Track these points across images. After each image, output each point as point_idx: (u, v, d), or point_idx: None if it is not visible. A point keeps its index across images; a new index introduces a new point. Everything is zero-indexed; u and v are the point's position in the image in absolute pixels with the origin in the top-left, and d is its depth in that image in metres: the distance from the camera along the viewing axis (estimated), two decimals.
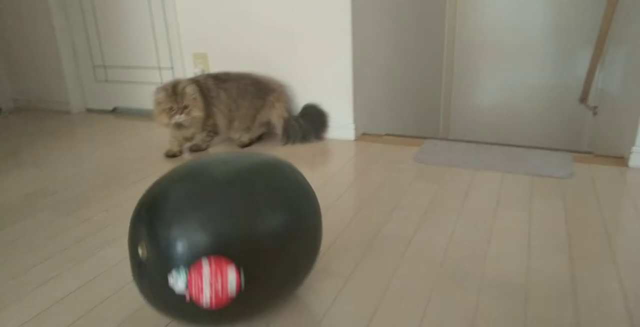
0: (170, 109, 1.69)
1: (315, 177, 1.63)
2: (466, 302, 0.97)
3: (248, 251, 0.80)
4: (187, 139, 1.86)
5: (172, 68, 2.38)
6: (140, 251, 0.82)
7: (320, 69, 1.98)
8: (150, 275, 0.81)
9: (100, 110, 2.65)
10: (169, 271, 0.78)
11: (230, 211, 0.80)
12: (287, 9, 1.96)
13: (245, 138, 1.93)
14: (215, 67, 2.20)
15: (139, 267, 0.83)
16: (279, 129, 1.94)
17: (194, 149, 1.90)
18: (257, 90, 1.88)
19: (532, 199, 1.42)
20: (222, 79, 1.86)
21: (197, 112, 1.74)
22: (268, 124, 1.95)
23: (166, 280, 0.78)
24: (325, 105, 2.01)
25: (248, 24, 2.06)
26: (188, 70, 2.28)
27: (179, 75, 2.34)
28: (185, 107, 1.70)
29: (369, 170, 1.68)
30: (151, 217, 0.81)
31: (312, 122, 1.97)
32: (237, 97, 1.85)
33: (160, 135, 2.18)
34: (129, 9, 2.37)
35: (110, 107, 2.61)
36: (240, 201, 0.81)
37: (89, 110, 2.66)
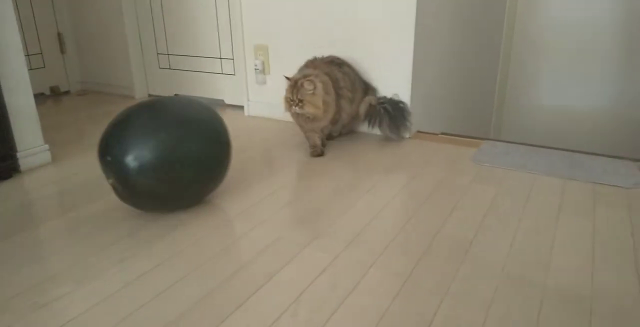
0: (290, 99, 1.72)
1: (368, 174, 1.65)
2: (529, 310, 0.97)
3: (175, 161, 1.27)
4: (322, 130, 1.85)
5: (232, 59, 2.44)
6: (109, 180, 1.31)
7: (381, 65, 1.98)
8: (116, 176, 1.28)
9: (162, 96, 2.75)
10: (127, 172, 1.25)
11: (168, 136, 1.27)
12: (349, 3, 1.97)
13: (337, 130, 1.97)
14: (275, 59, 2.25)
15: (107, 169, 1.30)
16: (363, 115, 1.92)
17: (317, 154, 1.84)
18: (364, 83, 1.95)
19: (595, 208, 1.39)
20: (338, 63, 1.88)
21: (311, 109, 1.71)
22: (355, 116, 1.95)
23: (125, 179, 1.26)
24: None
25: (309, 17, 2.08)
26: (249, 61, 2.33)
27: (239, 66, 2.39)
28: (300, 101, 1.70)
29: (424, 169, 1.68)
30: (118, 134, 1.29)
31: (397, 113, 1.93)
32: (355, 81, 1.88)
33: None
34: (195, 0, 2.44)
35: (172, 94, 2.71)
36: (176, 131, 1.28)
37: (151, 96, 2.77)
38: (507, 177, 1.60)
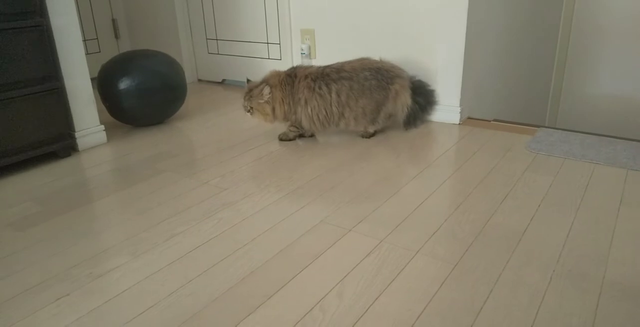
0: None
1: (414, 160, 1.61)
2: (585, 303, 0.92)
3: (153, 88, 1.94)
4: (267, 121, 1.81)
5: (279, 44, 2.44)
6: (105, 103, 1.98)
7: (430, 49, 1.92)
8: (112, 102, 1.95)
9: (210, 81, 2.80)
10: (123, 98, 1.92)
11: (144, 73, 1.93)
12: None
13: (372, 129, 1.83)
14: (322, 44, 2.23)
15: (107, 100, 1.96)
16: (402, 117, 1.83)
17: (281, 138, 1.84)
18: (378, 82, 1.72)
19: None
20: (332, 79, 1.70)
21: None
22: (393, 116, 1.84)
23: (117, 103, 1.93)
24: (432, 86, 1.96)
25: (357, 0, 2.04)
26: (295, 46, 2.32)
27: (286, 51, 2.39)
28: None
29: (476, 156, 1.62)
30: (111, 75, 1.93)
31: (424, 99, 1.88)
32: (348, 98, 1.70)
33: None
34: None
35: (220, 79, 2.75)
36: (150, 68, 1.95)
37: (200, 81, 2.83)
38: (565, 166, 1.52)
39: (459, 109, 1.93)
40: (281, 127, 1.88)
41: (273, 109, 1.73)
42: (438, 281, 1.00)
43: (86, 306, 0.96)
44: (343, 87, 1.70)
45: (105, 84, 1.91)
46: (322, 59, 2.25)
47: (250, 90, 1.73)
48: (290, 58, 2.36)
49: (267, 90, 1.70)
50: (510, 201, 1.31)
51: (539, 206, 1.29)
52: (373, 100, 1.74)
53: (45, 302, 0.97)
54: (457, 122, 1.94)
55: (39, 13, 1.58)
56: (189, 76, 2.81)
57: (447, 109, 1.95)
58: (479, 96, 2.08)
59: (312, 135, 1.88)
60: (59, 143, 1.70)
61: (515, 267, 1.03)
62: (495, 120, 1.99)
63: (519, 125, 1.91)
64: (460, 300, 0.94)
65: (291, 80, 1.73)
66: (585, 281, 0.99)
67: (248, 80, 1.78)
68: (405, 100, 1.79)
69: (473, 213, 1.26)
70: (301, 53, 2.30)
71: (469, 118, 2.00)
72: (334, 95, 1.70)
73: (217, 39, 2.67)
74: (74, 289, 1.01)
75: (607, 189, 1.36)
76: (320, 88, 1.71)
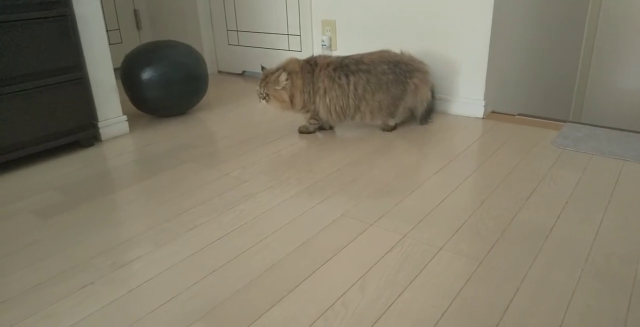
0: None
1: (437, 155, 1.59)
2: (615, 304, 0.90)
3: (178, 78, 1.96)
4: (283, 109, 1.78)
5: (299, 35, 2.42)
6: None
7: (455, 41, 1.88)
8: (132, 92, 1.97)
9: (230, 73, 2.80)
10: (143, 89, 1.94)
11: (168, 64, 1.94)
12: None
13: (392, 122, 1.80)
14: (342, 35, 2.20)
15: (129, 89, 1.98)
16: (420, 111, 1.81)
17: (301, 131, 1.83)
18: (396, 76, 1.69)
19: None
20: (351, 70, 1.68)
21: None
22: (413, 110, 1.82)
23: (140, 93, 1.94)
24: (455, 79, 1.92)
25: None
26: (316, 37, 2.30)
27: (306, 42, 2.37)
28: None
29: (500, 151, 1.59)
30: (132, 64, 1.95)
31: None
32: (365, 91, 1.68)
33: None
34: None
35: (240, 71, 2.74)
36: (173, 59, 1.96)
37: (220, 72, 2.83)
38: (592, 163, 1.48)
39: (482, 103, 1.89)
40: (300, 119, 1.87)
41: (292, 97, 1.70)
42: (463, 278, 0.98)
43: (109, 296, 0.96)
44: (360, 79, 1.68)
45: (128, 74, 1.92)
46: (342, 50, 2.22)
47: (266, 77, 1.70)
48: (311, 49, 2.34)
49: (283, 76, 1.67)
50: (536, 198, 1.28)
51: (566, 203, 1.25)
52: (389, 94, 1.71)
53: (69, 292, 0.98)
54: (481, 116, 1.90)
55: (64, 3, 1.59)
56: (209, 68, 2.81)
57: (471, 103, 1.91)
58: (503, 89, 2.03)
59: (331, 128, 1.86)
60: (82, 133, 1.72)
61: (542, 266, 1.01)
62: (520, 114, 1.94)
63: (545, 120, 1.86)
64: (485, 298, 0.92)
65: (311, 69, 1.71)
66: (615, 280, 0.96)
67: (263, 68, 1.76)
68: (425, 94, 1.76)
69: (498, 209, 1.23)
70: (322, 44, 2.28)
71: (492, 112, 1.96)
72: (351, 87, 1.68)
73: (237, 31, 2.66)
74: (97, 279, 1.02)
75: (637, 187, 1.32)
76: (339, 78, 1.68)
